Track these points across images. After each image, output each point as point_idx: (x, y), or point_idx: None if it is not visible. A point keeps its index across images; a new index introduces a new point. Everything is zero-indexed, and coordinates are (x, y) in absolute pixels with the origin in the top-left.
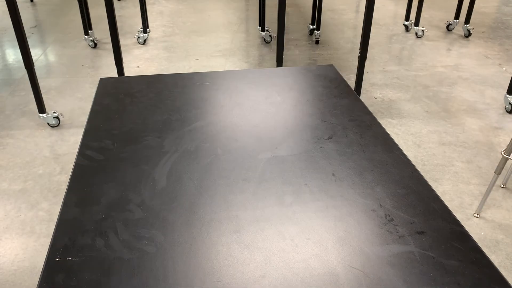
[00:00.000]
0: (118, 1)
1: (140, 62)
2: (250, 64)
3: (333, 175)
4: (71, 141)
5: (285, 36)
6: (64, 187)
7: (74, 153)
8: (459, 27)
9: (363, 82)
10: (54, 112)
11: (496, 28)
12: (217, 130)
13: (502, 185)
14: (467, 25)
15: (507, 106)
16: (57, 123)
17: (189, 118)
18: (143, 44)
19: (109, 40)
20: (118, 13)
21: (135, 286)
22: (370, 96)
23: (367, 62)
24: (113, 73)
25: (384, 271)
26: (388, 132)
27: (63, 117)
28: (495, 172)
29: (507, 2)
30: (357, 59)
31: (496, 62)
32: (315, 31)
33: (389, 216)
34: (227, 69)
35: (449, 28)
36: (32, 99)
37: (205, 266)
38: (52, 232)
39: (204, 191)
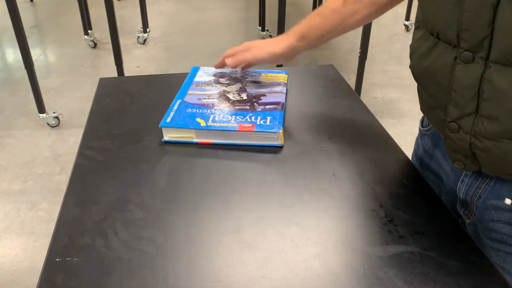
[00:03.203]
0: (118, 1)
1: (140, 62)
2: None
3: (333, 175)
4: (70, 141)
5: None
6: (64, 187)
7: (74, 153)
8: None
9: (363, 82)
10: (54, 112)
11: None
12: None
13: None
14: None
15: None
16: (57, 123)
17: None
18: (143, 44)
19: (109, 40)
20: (118, 13)
21: (135, 286)
22: (370, 96)
23: (367, 62)
24: (113, 73)
25: (384, 271)
26: (388, 132)
27: (62, 117)
28: None
29: None
30: (357, 59)
31: None
32: None
33: (389, 216)
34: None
35: None
36: (32, 99)
37: (205, 266)
38: (52, 232)
39: (204, 191)
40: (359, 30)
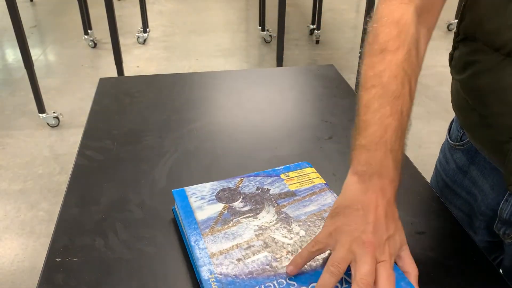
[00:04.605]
0: (118, 1)
1: (140, 62)
2: (250, 64)
3: (334, 175)
4: (71, 141)
5: (285, 36)
6: (64, 187)
7: (74, 153)
8: None
9: None
10: (54, 112)
11: None
12: (217, 130)
13: None
14: None
15: None
16: (57, 123)
17: (189, 118)
18: (143, 44)
19: (109, 40)
20: (118, 13)
21: (135, 286)
22: None
23: None
24: (113, 73)
25: None
26: None
27: (62, 117)
28: None
29: None
30: (357, 59)
31: None
32: (315, 31)
33: None
34: (227, 69)
35: (449, 28)
36: (32, 99)
37: None
38: (52, 232)
39: None
40: (359, 29)
